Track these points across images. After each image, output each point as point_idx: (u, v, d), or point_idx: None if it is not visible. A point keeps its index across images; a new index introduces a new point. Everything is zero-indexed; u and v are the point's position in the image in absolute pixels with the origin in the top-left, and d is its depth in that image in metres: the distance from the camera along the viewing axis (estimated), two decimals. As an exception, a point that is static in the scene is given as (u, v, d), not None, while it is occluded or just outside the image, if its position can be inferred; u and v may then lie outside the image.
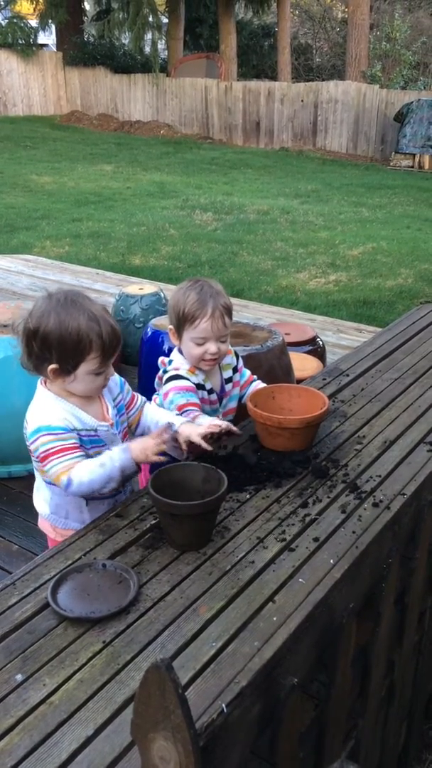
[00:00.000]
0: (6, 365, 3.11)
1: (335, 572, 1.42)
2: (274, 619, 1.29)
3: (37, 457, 1.66)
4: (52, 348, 1.61)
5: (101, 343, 1.62)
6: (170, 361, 2.05)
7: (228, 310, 1.96)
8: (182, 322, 1.95)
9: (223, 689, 1.13)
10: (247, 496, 1.69)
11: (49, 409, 1.67)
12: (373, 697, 1.68)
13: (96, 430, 1.71)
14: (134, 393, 1.87)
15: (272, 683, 1.21)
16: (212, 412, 2.05)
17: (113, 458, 1.63)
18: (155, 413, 1.87)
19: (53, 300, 1.64)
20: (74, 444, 1.65)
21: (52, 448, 1.63)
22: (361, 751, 1.67)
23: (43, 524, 1.89)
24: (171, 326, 2.01)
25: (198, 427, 1.79)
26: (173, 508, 1.45)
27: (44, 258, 7.27)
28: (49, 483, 1.75)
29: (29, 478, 3.21)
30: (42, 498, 1.82)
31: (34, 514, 1.93)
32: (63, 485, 1.63)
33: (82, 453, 1.66)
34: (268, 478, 1.76)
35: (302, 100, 16.26)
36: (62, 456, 1.63)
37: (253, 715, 1.17)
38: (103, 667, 1.19)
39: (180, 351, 2.04)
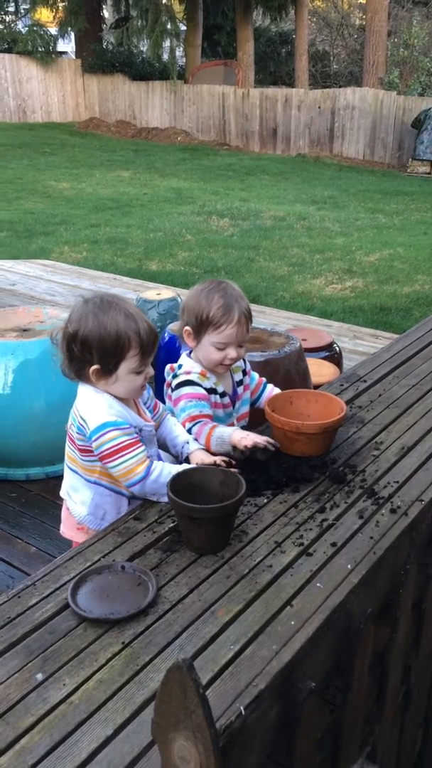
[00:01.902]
0: (26, 369, 3.15)
1: (353, 577, 1.42)
2: (292, 623, 1.29)
3: (103, 453, 1.66)
4: (93, 349, 1.65)
5: (140, 340, 1.66)
6: (179, 366, 2.00)
7: (250, 315, 1.96)
8: (204, 325, 1.90)
9: (242, 692, 1.13)
10: (265, 501, 1.69)
11: (106, 405, 1.68)
12: (390, 703, 1.68)
13: (141, 430, 1.73)
14: (156, 400, 1.90)
15: (290, 687, 1.21)
16: (226, 417, 2.04)
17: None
18: (173, 429, 1.89)
19: (90, 304, 1.69)
20: (138, 438, 1.69)
21: (122, 443, 1.64)
22: (378, 757, 1.67)
23: (71, 531, 1.88)
24: (188, 327, 1.94)
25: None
26: (192, 512, 1.46)
27: (62, 263, 7.33)
28: (95, 482, 1.76)
29: (47, 481, 3.26)
30: (80, 500, 1.82)
31: (58, 519, 1.94)
32: (136, 477, 1.64)
33: (145, 447, 1.69)
34: (285, 482, 1.76)
35: (319, 107, 16.28)
36: (134, 449, 1.65)
37: (270, 719, 1.17)
38: (122, 667, 1.20)
39: (189, 354, 2.01)
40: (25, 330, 3.34)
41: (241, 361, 2.10)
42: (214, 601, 1.35)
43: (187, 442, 1.86)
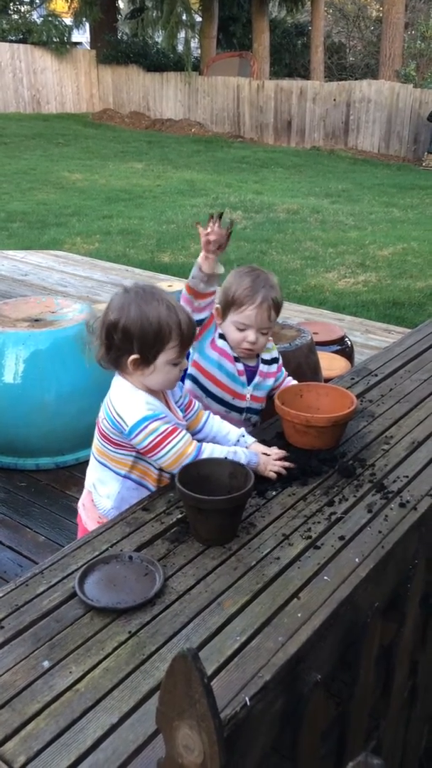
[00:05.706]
0: (37, 359, 3.16)
1: (360, 571, 1.42)
2: (299, 615, 1.29)
3: (147, 446, 1.65)
4: (134, 338, 1.65)
5: (180, 332, 1.66)
6: None
7: (277, 306, 1.99)
8: (230, 304, 1.98)
9: (247, 683, 1.13)
10: (273, 493, 1.69)
11: (143, 401, 1.68)
12: (396, 698, 1.67)
13: None
14: (191, 397, 1.89)
15: (296, 679, 1.21)
16: (231, 380, 2.04)
17: (239, 454, 1.69)
18: (222, 426, 1.89)
19: (131, 293, 1.69)
20: (177, 425, 1.69)
21: (165, 431, 1.65)
22: (383, 752, 1.66)
23: (92, 522, 1.85)
24: (218, 305, 2.03)
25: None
26: (200, 503, 1.46)
27: (74, 254, 7.34)
28: (124, 476, 1.76)
29: (57, 471, 3.28)
30: (105, 493, 1.81)
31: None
32: (189, 458, 1.64)
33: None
34: (294, 475, 1.76)
35: (334, 99, 16.17)
36: (178, 433, 1.66)
37: (275, 710, 1.17)
38: (128, 656, 1.20)
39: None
40: (36, 320, 3.35)
41: (277, 352, 2.15)
42: (221, 592, 1.35)
43: (243, 435, 1.86)
